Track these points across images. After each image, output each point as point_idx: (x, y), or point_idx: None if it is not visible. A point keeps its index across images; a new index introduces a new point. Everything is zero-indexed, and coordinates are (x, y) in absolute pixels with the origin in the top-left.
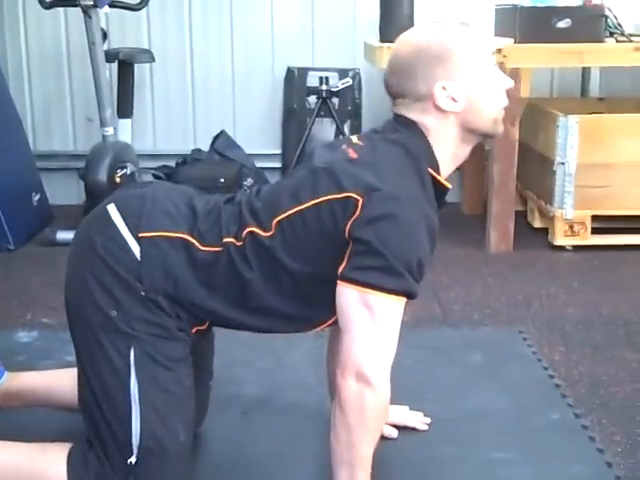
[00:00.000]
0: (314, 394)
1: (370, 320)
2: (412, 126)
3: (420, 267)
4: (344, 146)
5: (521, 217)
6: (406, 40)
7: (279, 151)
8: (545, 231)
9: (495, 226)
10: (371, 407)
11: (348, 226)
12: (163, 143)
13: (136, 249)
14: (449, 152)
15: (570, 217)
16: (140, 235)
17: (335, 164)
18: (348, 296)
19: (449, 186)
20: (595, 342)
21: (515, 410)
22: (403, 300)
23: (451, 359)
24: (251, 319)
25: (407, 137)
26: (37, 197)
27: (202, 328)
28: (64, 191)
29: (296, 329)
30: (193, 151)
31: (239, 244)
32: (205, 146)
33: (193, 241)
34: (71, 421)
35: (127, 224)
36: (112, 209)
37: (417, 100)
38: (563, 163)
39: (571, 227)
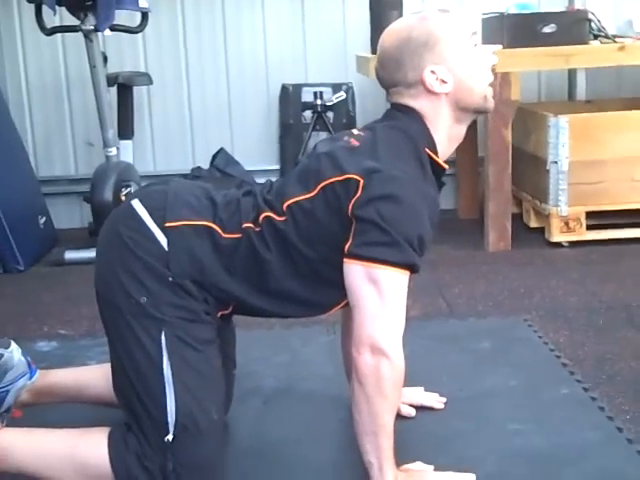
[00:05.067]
0: (331, 383)
1: (377, 294)
2: (409, 111)
3: (421, 242)
4: (345, 137)
5: (517, 219)
6: (391, 32)
7: (277, 166)
8: (541, 230)
9: (493, 226)
10: (388, 377)
11: (350, 206)
12: (163, 164)
13: (163, 240)
14: (445, 133)
15: (565, 214)
16: (166, 225)
17: (337, 150)
18: (354, 273)
19: (446, 167)
20: (598, 325)
21: (526, 387)
22: (407, 273)
23: (461, 346)
24: (269, 303)
25: (405, 122)
26: (43, 220)
27: (226, 312)
28: (67, 215)
29: (311, 312)
30: (193, 169)
31: (258, 229)
32: (204, 165)
33: (216, 228)
34: (102, 415)
35: (152, 217)
36: (137, 204)
37: (409, 87)
38: (556, 162)
39: (567, 224)
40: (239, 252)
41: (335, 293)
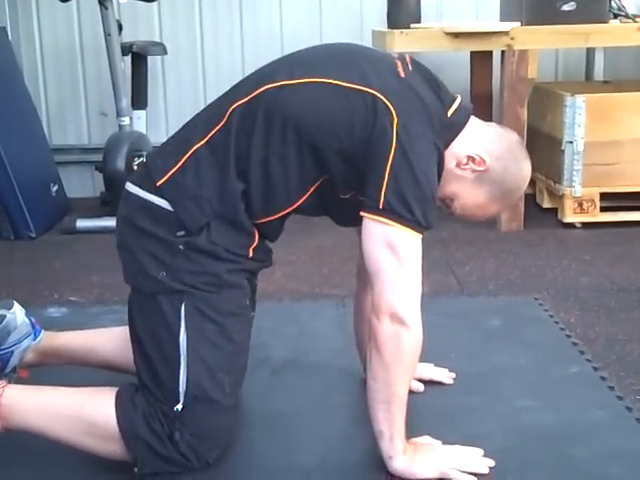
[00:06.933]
0: (340, 356)
1: (396, 262)
2: (467, 113)
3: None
4: (393, 59)
5: (530, 199)
6: (518, 140)
7: None
8: (554, 211)
9: None
10: (407, 346)
11: (394, 141)
12: None
13: (163, 202)
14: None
15: (579, 195)
16: (158, 186)
17: (384, 71)
18: (374, 236)
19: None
20: (609, 306)
21: (535, 365)
22: (421, 236)
23: (471, 324)
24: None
25: (459, 115)
26: (55, 188)
27: (256, 244)
28: (79, 184)
29: (278, 204)
30: None
31: (248, 100)
32: None
33: (199, 144)
34: (110, 379)
35: (144, 188)
36: (129, 185)
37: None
38: (571, 142)
39: (580, 205)
40: (230, 137)
41: (296, 183)
